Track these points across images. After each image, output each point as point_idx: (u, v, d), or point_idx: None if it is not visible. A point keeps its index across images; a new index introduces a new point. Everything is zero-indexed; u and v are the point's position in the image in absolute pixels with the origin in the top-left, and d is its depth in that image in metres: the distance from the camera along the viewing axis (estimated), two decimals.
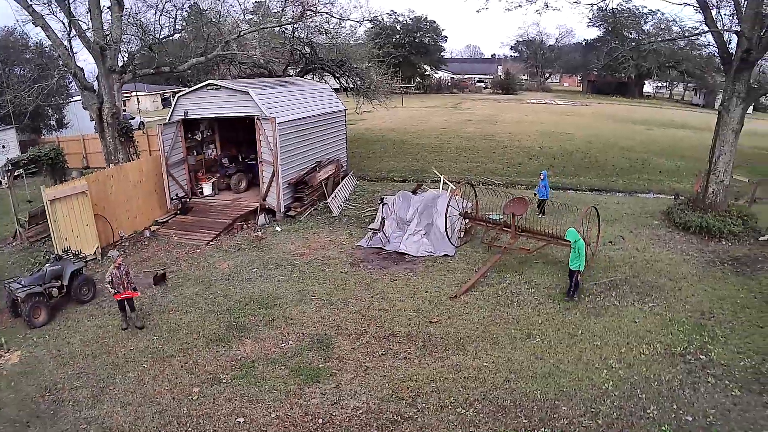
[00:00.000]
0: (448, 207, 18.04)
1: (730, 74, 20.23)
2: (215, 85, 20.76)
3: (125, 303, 12.88)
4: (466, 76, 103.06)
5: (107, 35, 21.62)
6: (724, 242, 18.94)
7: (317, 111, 23.71)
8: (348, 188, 24.94)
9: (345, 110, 27.03)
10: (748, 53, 19.30)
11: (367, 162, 31.60)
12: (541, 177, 20.91)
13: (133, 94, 49.64)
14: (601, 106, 66.49)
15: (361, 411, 10.16)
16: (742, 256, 17.73)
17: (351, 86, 36.40)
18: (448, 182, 22.72)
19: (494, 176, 28.73)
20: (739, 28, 19.68)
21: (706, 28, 21.27)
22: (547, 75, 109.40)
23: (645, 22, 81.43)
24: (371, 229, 19.71)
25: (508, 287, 15.52)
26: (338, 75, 35.34)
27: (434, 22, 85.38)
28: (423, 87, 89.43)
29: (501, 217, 18.13)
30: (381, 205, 20.15)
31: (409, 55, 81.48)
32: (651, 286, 15.43)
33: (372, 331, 13.02)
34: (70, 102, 37.51)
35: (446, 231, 18.12)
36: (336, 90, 29.91)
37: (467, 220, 18.83)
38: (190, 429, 9.56)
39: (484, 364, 11.91)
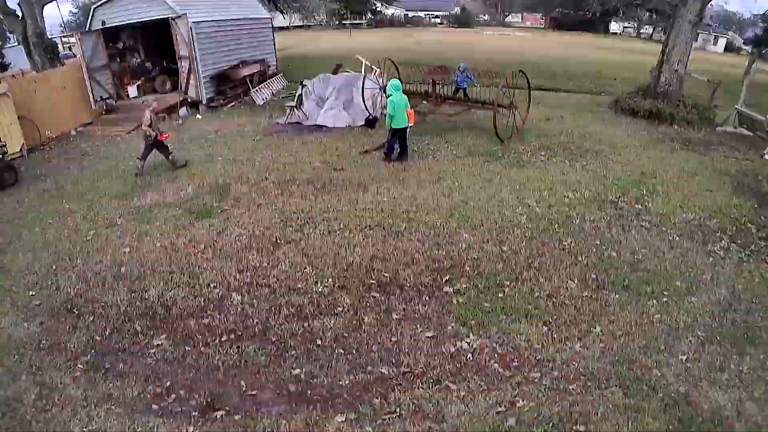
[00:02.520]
0: (364, 79, 17.21)
1: None
2: None
3: (163, 144, 13.67)
4: (420, 13, 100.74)
5: None
6: (676, 127, 18.05)
7: (238, 15, 24.31)
8: (276, 85, 25.21)
9: (271, 18, 27.67)
10: None
11: (303, 70, 30.13)
12: (461, 68, 18.69)
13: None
14: (563, 37, 65.61)
15: (244, 237, 9.76)
16: (695, 139, 16.91)
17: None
18: (370, 64, 21.23)
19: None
20: None
21: None
22: (507, 13, 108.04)
23: None
24: (288, 105, 19.03)
25: (427, 146, 14.49)
26: None
27: None
28: (374, 23, 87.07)
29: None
30: (300, 87, 19.56)
31: None
32: (587, 150, 14.47)
33: (273, 178, 12.62)
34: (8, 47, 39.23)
35: (364, 103, 16.99)
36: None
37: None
38: (79, 262, 9.40)
39: (384, 199, 10.98)
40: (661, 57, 20.04)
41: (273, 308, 7.68)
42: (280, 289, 8.14)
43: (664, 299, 7.80)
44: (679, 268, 8.67)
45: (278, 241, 9.52)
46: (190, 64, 20.76)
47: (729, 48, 74.89)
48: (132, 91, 22.92)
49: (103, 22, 21.20)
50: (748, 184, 12.86)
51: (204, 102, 21.35)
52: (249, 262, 8.87)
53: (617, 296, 7.81)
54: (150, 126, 13.27)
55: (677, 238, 9.66)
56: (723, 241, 9.65)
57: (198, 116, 20.21)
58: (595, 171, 12.76)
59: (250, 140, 16.03)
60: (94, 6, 21.66)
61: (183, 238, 9.82)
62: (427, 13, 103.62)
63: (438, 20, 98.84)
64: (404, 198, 10.92)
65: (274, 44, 27.42)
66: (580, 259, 8.74)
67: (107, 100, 21.31)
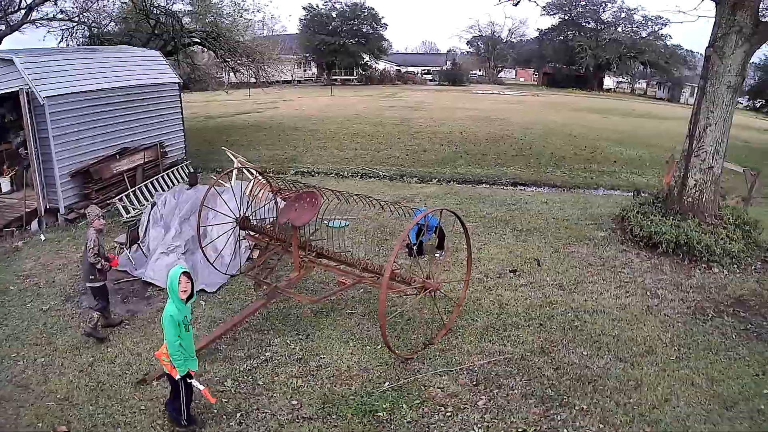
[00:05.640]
0: (201, 207, 9.51)
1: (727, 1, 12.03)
2: None
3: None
4: (411, 68, 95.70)
5: None
6: (716, 269, 10.92)
7: (129, 82, 17.51)
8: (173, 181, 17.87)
9: (179, 83, 19.93)
10: None
11: (234, 151, 23.32)
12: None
13: None
14: (554, 96, 59.01)
15: None
16: (749, 294, 9.84)
17: (236, 64, 30.61)
18: (248, 170, 13.74)
19: (381, 166, 20.62)
20: None
21: None
22: (500, 68, 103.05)
23: (604, 11, 75.71)
24: (117, 243, 11.85)
25: (254, 371, 7.05)
26: (216, 50, 29.10)
27: (372, 8, 78.90)
28: (364, 79, 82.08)
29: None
30: (150, 208, 12.31)
31: (346, 43, 74.71)
32: (576, 378, 7.08)
33: None
34: None
35: (203, 251, 9.70)
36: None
37: (245, 233, 10.12)
38: None
39: None
40: (688, 146, 12.76)
41: None
42: None
43: None
44: None
45: None
46: (40, 156, 14.68)
47: None
48: (5, 185, 17.27)
49: None
50: None
51: (62, 211, 14.90)
52: None
53: None
54: (98, 255, 8.17)
55: None
56: None
57: (42, 237, 13.58)
58: None
59: (35, 309, 9.13)
60: None
61: None
62: (421, 69, 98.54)
63: (430, 77, 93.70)
64: None
65: (182, 118, 19.82)
66: None
67: None
